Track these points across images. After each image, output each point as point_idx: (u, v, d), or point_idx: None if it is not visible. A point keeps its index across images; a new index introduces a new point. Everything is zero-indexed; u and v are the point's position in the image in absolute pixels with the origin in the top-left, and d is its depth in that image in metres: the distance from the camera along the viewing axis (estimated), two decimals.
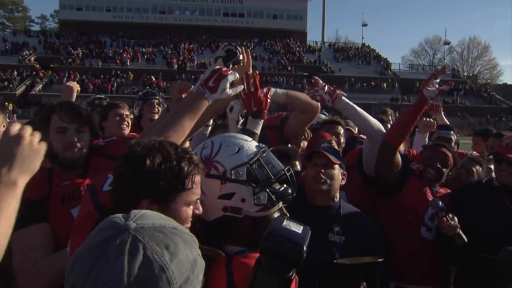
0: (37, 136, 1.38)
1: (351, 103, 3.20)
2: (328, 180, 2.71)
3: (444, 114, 5.53)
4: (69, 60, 54.26)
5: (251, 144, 1.79)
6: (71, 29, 63.66)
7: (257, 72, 2.40)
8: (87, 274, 0.89)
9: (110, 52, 57.77)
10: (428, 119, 4.48)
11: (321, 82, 3.22)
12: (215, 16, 67.86)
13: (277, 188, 1.73)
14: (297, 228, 1.39)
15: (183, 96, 2.60)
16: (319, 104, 3.10)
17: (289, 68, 57.87)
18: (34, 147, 1.35)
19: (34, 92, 47.14)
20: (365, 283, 2.10)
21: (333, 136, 3.74)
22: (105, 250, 0.90)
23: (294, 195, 1.77)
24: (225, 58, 2.33)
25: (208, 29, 66.63)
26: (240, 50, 2.35)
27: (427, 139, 4.38)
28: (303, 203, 2.71)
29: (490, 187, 3.14)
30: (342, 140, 4.01)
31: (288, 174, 1.75)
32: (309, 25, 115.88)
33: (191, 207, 1.52)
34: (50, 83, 49.54)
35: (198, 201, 1.56)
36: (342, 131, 4.07)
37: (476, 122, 44.06)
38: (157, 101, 4.89)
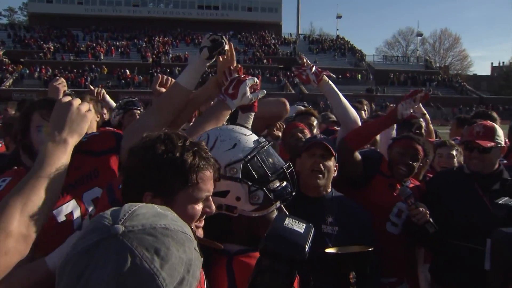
0: (85, 105, 1.72)
1: (335, 88, 3.22)
2: (325, 173, 2.69)
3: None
4: (40, 54, 52.87)
5: (248, 139, 1.67)
6: (41, 22, 62.05)
7: (240, 65, 2.38)
8: (76, 282, 0.86)
9: (83, 46, 56.59)
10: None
11: (309, 62, 3.25)
12: (189, 9, 67.21)
13: (275, 186, 1.63)
14: (299, 227, 1.33)
15: (163, 90, 2.58)
16: (283, 110, 3.07)
17: (265, 60, 57.84)
18: (81, 113, 1.69)
19: (4, 87, 45.77)
20: (354, 273, 2.05)
21: (307, 127, 3.76)
22: (93, 257, 0.86)
23: (294, 193, 1.67)
24: (211, 48, 2.26)
25: (182, 22, 65.94)
26: (226, 40, 2.31)
27: (395, 126, 4.41)
28: (295, 194, 2.67)
29: (461, 175, 3.20)
30: (316, 131, 4.04)
31: (288, 171, 1.66)
32: (283, 18, 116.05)
33: (200, 204, 1.44)
34: (21, 78, 48.26)
35: (210, 198, 1.47)
36: (315, 122, 4.10)
37: (449, 112, 45.02)
38: (138, 111, 4.87)
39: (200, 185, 1.41)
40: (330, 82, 3.22)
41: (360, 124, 3.27)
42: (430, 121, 5.18)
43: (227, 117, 2.16)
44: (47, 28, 61.23)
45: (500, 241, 2.33)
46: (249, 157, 1.60)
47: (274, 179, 1.62)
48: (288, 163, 1.70)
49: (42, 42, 56.21)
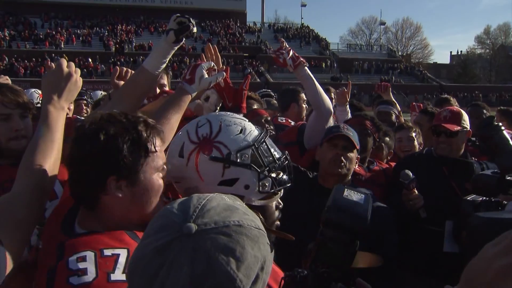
0: (78, 72, 1.84)
1: (311, 74, 3.24)
2: (346, 165, 2.63)
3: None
4: None
5: (251, 125, 1.61)
6: None
7: (225, 66, 2.33)
8: (149, 284, 0.84)
9: (41, 34, 54.54)
10: (342, 88, 4.59)
11: (287, 45, 3.24)
12: None
13: (275, 175, 1.57)
14: (358, 198, 1.30)
15: (122, 82, 2.53)
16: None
17: (229, 49, 57.52)
18: (77, 83, 1.82)
19: None
20: None
21: None
22: (166, 259, 0.83)
23: (290, 184, 1.62)
24: (177, 31, 2.17)
25: (146, 10, 64.42)
26: (193, 23, 2.21)
27: (348, 109, 4.37)
28: (313, 186, 2.65)
29: (429, 158, 3.23)
30: None
31: (288, 160, 1.62)
32: (248, 6, 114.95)
33: (160, 174, 1.45)
34: None
35: (165, 166, 1.48)
36: (255, 106, 3.97)
37: (412, 100, 46.10)
38: (85, 102, 4.77)
39: (158, 152, 1.44)
40: (306, 68, 3.24)
41: (332, 111, 3.28)
42: (401, 113, 5.21)
43: (187, 102, 2.10)
44: (2, 15, 58.47)
45: (477, 226, 2.41)
46: (258, 142, 1.54)
47: (279, 167, 1.57)
48: (286, 152, 1.64)
49: None
